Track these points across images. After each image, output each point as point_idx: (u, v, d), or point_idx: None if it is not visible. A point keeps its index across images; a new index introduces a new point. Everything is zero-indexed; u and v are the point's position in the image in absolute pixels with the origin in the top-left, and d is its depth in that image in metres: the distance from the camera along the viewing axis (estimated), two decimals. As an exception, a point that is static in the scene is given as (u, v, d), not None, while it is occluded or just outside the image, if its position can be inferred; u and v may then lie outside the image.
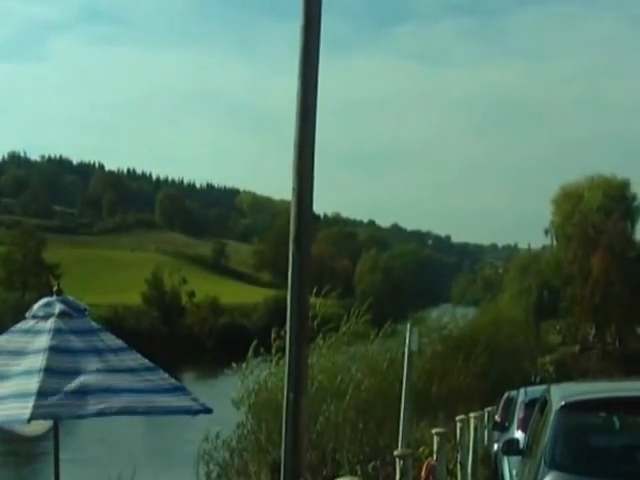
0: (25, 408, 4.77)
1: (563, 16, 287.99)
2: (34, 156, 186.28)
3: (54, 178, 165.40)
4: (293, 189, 5.39)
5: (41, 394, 4.86)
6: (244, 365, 14.63)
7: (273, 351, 14.21)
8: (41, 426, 5.81)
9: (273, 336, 14.05)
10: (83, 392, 5.03)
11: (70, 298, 5.74)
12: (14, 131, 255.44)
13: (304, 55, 5.15)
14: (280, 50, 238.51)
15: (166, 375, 5.52)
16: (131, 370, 5.35)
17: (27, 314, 5.63)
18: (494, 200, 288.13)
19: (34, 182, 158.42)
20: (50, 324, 5.42)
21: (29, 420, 4.77)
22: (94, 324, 5.66)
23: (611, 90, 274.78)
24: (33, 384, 4.92)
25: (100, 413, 5.11)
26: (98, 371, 5.22)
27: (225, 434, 13.83)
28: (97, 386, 5.08)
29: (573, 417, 6.87)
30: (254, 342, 14.61)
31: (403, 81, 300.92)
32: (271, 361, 14.48)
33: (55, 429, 5.70)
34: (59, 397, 4.90)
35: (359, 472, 11.86)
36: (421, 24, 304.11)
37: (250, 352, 14.57)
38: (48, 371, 5.04)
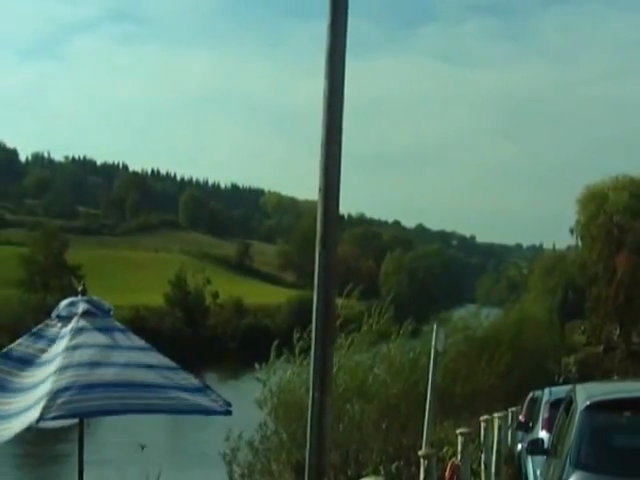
0: (36, 409, 4.76)
1: (588, 16, 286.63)
2: (58, 157, 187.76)
3: (78, 179, 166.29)
4: (320, 189, 5.40)
5: (56, 393, 4.84)
6: (267, 366, 14.66)
7: (296, 352, 14.23)
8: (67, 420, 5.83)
9: (296, 337, 14.07)
10: (103, 386, 5.00)
11: (95, 298, 5.75)
12: (38, 131, 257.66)
13: (330, 53, 5.17)
14: (305, 49, 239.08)
15: (189, 375, 5.53)
16: (154, 367, 5.35)
17: (52, 313, 5.65)
18: (519, 200, 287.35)
19: (58, 183, 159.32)
20: (73, 324, 5.43)
21: (38, 421, 4.75)
22: (118, 324, 5.68)
23: (637, 90, 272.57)
24: (49, 385, 4.91)
25: (119, 410, 5.10)
26: (120, 365, 5.21)
27: (247, 435, 13.88)
28: (117, 381, 5.05)
29: (598, 417, 6.84)
30: (275, 343, 14.63)
31: (428, 82, 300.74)
32: (294, 362, 14.50)
33: (80, 426, 5.72)
34: (72, 393, 4.88)
35: (382, 472, 11.86)
36: (446, 25, 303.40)
37: (272, 353, 14.60)
38: (64, 369, 5.03)
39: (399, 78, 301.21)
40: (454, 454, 11.28)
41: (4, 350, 5.46)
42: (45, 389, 4.89)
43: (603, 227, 54.48)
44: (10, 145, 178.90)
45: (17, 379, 5.20)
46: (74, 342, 5.26)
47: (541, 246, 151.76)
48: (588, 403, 6.86)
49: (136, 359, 5.33)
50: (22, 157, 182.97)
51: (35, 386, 5.07)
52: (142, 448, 13.34)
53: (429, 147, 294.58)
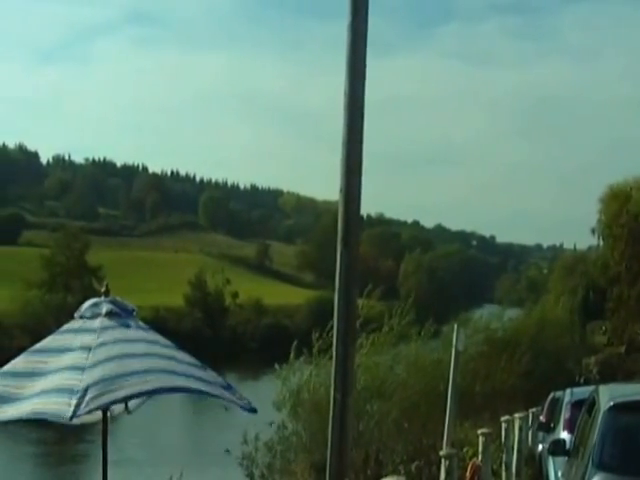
0: (69, 405, 4.80)
1: (609, 15, 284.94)
2: (78, 159, 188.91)
3: (98, 180, 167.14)
4: (341, 189, 5.41)
5: (86, 390, 4.89)
6: (286, 366, 14.68)
7: (315, 352, 14.24)
8: (90, 417, 5.86)
9: (315, 337, 14.08)
10: (128, 375, 5.03)
11: (118, 299, 5.79)
12: (59, 134, 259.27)
13: (351, 54, 5.18)
14: (322, 50, 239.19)
15: (213, 373, 5.55)
16: (179, 361, 5.38)
17: (75, 314, 5.69)
18: (539, 200, 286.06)
19: (78, 185, 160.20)
20: (98, 323, 5.46)
21: (71, 418, 4.79)
22: (142, 324, 5.71)
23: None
24: (79, 381, 4.95)
25: (144, 392, 5.12)
26: (145, 355, 5.23)
27: (266, 435, 13.90)
28: (142, 369, 5.08)
29: (622, 418, 6.80)
30: (295, 343, 14.65)
31: (447, 81, 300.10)
32: (314, 362, 14.50)
33: (104, 420, 5.75)
34: (101, 387, 4.92)
35: (402, 472, 11.86)
36: (465, 24, 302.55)
37: (292, 353, 14.61)
38: (94, 366, 5.07)
39: (418, 78, 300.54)
40: (474, 454, 11.27)
41: (35, 346, 5.52)
42: (73, 383, 4.93)
43: (626, 227, 54.09)
44: (31, 147, 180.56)
45: (41, 365, 5.25)
46: (99, 341, 5.30)
47: (561, 246, 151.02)
48: (611, 404, 6.83)
49: (165, 352, 5.36)
50: (43, 159, 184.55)
51: (60, 370, 5.11)
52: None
53: (448, 147, 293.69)
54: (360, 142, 5.18)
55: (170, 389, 5.16)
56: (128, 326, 5.52)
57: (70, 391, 4.89)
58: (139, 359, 5.17)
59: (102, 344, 5.25)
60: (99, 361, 5.10)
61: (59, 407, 4.83)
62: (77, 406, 4.79)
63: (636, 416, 6.99)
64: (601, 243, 58.87)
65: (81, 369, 5.03)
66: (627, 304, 52.75)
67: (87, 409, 4.83)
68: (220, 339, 66.88)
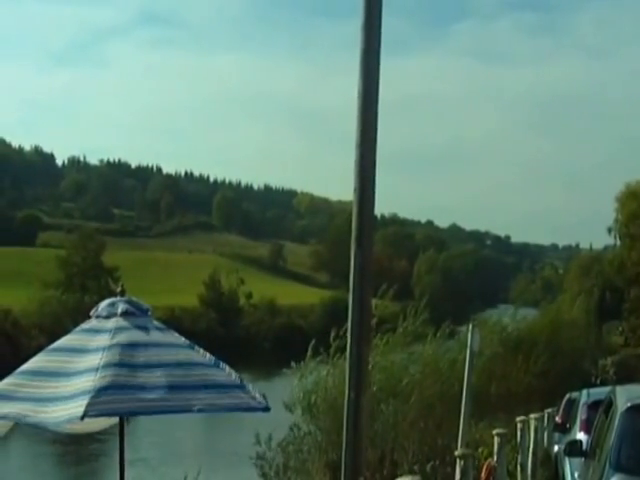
0: (80, 406, 4.82)
1: (626, 11, 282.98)
2: (93, 160, 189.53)
3: (113, 182, 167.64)
4: (355, 190, 5.40)
5: (99, 390, 4.90)
6: (301, 366, 14.66)
7: (331, 351, 14.22)
8: (104, 422, 5.87)
9: (332, 336, 14.06)
10: (143, 388, 5.04)
11: (134, 298, 5.80)
12: (74, 136, 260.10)
13: (365, 54, 5.16)
14: (336, 50, 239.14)
15: (229, 370, 5.54)
16: (193, 365, 5.37)
17: (91, 313, 5.71)
18: (554, 199, 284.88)
19: (93, 186, 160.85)
20: (112, 323, 5.48)
21: (82, 417, 4.80)
22: (157, 323, 5.71)
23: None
24: (92, 381, 4.96)
25: (159, 411, 5.13)
26: (159, 366, 5.24)
27: (280, 435, 13.90)
28: (158, 384, 5.08)
29: (639, 419, 6.77)
30: (312, 343, 14.61)
31: (462, 79, 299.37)
32: (329, 362, 14.48)
33: (120, 426, 5.76)
34: (116, 392, 4.93)
35: (418, 472, 11.83)
36: (480, 21, 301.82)
37: (309, 353, 14.60)
38: (107, 367, 5.07)
39: (433, 76, 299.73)
40: (489, 455, 11.22)
41: (52, 345, 5.54)
42: (86, 386, 4.94)
43: (644, 226, 53.83)
44: (47, 149, 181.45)
45: (58, 365, 5.27)
46: (115, 341, 5.30)
47: (577, 246, 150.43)
48: (629, 405, 6.80)
49: (176, 358, 5.35)
50: (59, 161, 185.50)
51: (78, 373, 5.13)
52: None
53: (463, 146, 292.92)
54: (374, 142, 5.16)
55: (184, 411, 5.17)
56: (143, 327, 5.52)
57: (82, 393, 4.90)
58: (154, 370, 5.17)
59: (116, 345, 5.25)
60: (112, 363, 5.10)
61: (73, 411, 4.84)
62: (90, 406, 4.79)
63: (653, 417, 6.95)
64: (618, 242, 58.62)
65: (95, 370, 5.05)
66: (644, 304, 52.49)
67: (98, 412, 4.84)
68: (234, 339, 66.92)
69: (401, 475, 10.66)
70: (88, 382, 4.96)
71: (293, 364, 14.80)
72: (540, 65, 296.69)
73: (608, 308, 59.27)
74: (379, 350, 14.59)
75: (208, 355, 5.57)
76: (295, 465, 13.68)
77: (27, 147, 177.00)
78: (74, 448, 27.81)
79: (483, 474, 9.88)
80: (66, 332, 5.70)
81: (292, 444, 13.85)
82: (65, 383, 5.09)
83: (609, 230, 57.51)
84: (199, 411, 5.22)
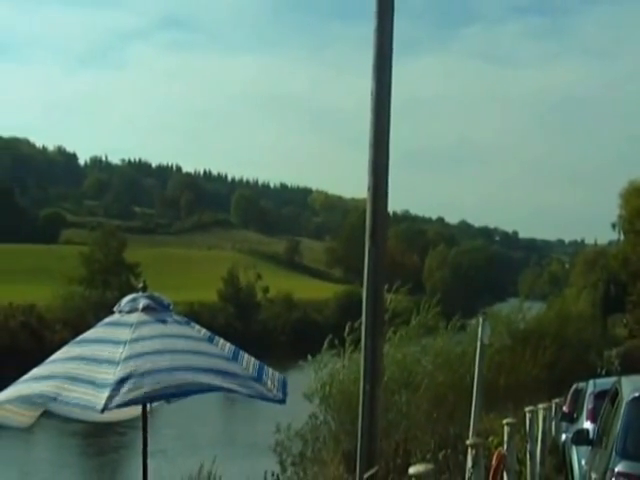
0: (100, 398, 4.80)
1: (630, 13, 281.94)
2: (115, 160, 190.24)
3: (134, 180, 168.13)
4: (369, 188, 5.40)
5: (118, 383, 4.89)
6: (317, 358, 14.68)
7: (347, 344, 14.24)
8: (128, 412, 5.88)
9: (347, 330, 14.07)
10: (163, 371, 5.02)
11: (155, 294, 5.80)
12: (96, 136, 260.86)
13: (377, 56, 5.17)
14: (349, 52, 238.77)
15: (248, 359, 5.52)
16: (213, 355, 5.36)
17: (115, 308, 5.71)
18: (561, 196, 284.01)
19: (115, 185, 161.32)
20: (134, 317, 5.48)
21: (102, 410, 4.79)
22: (178, 317, 5.71)
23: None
24: (112, 374, 4.95)
25: (179, 393, 5.12)
26: (180, 352, 5.23)
27: (297, 425, 13.92)
28: (177, 366, 5.07)
29: (644, 408, 6.75)
30: (329, 336, 14.62)
31: (471, 81, 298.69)
32: (344, 354, 14.49)
33: (144, 415, 5.77)
34: (134, 381, 4.92)
35: (430, 460, 11.82)
36: (488, 25, 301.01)
37: (325, 345, 14.62)
38: (127, 359, 5.05)
39: (443, 77, 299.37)
40: (500, 444, 11.21)
41: (76, 339, 5.56)
42: (107, 378, 4.94)
43: (646, 222, 53.64)
44: (70, 149, 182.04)
45: (89, 353, 5.29)
46: (136, 334, 5.30)
47: (583, 241, 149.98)
48: (635, 395, 6.79)
49: (195, 348, 5.35)
50: (81, 161, 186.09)
51: (99, 361, 5.14)
52: None
53: (472, 145, 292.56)
54: (387, 142, 5.16)
55: (203, 390, 5.15)
56: (164, 321, 5.51)
57: (102, 384, 4.89)
58: (174, 355, 5.16)
59: (137, 339, 5.25)
60: (132, 355, 5.09)
61: (89, 398, 4.83)
62: (109, 399, 4.78)
63: (658, 406, 6.93)
64: (622, 238, 58.43)
65: (115, 363, 5.04)
66: (647, 297, 52.32)
67: (120, 402, 4.83)
68: (252, 333, 66.97)
69: (414, 464, 10.66)
70: (109, 374, 4.95)
71: (309, 357, 14.83)
72: (546, 67, 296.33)
73: (613, 301, 59.10)
74: (392, 343, 14.61)
75: (228, 346, 5.55)
76: (311, 455, 13.71)
77: (51, 147, 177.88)
78: (94, 440, 27.95)
79: (494, 462, 9.86)
80: (89, 327, 5.71)
81: (310, 433, 13.88)
82: (88, 367, 5.09)
83: (613, 226, 57.42)
84: (217, 390, 5.19)
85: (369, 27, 5.00)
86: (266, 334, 70.43)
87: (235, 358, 5.46)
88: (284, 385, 5.45)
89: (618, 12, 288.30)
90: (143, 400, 5.22)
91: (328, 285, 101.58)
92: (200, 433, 28.85)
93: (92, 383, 4.92)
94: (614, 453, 6.46)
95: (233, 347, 5.55)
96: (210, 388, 5.09)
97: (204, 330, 5.63)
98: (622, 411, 6.76)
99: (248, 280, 78.37)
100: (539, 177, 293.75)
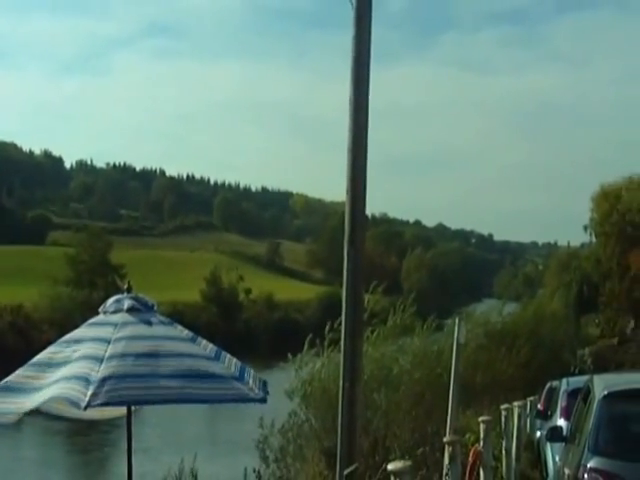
0: (84, 395, 4.78)
1: (599, 22, 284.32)
2: (100, 163, 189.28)
3: (119, 184, 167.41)
4: (347, 192, 5.40)
5: (102, 380, 4.86)
6: (298, 358, 14.65)
7: (326, 344, 14.23)
8: (113, 412, 5.85)
9: (327, 329, 14.06)
10: (146, 376, 5.00)
11: (139, 295, 5.78)
12: (82, 140, 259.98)
13: (355, 64, 5.17)
14: (329, 59, 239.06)
15: (230, 360, 5.51)
16: (195, 357, 5.34)
17: (100, 309, 5.69)
18: (534, 200, 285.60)
19: (100, 188, 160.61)
20: (119, 318, 5.46)
21: (85, 407, 4.77)
22: (162, 317, 5.69)
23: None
24: (96, 371, 4.92)
25: (161, 400, 5.10)
26: (163, 356, 5.21)
27: (279, 422, 13.89)
28: (161, 372, 5.05)
29: (615, 406, 6.80)
30: (309, 336, 14.61)
31: (447, 88, 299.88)
32: (323, 354, 14.48)
33: (128, 414, 5.74)
34: (119, 382, 4.89)
35: (408, 457, 11.82)
36: (464, 33, 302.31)
37: (306, 345, 14.60)
38: (111, 358, 5.04)
39: (420, 84, 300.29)
40: (476, 441, 11.23)
41: (61, 339, 5.53)
42: (90, 374, 4.91)
43: (616, 225, 53.96)
44: (56, 153, 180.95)
45: (62, 355, 5.26)
46: (120, 334, 5.28)
47: (556, 243, 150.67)
48: (606, 393, 6.82)
49: (178, 349, 5.33)
50: (67, 164, 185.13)
51: (82, 358, 5.11)
52: None
53: (448, 150, 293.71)
54: (365, 147, 5.17)
55: (184, 400, 5.14)
56: (148, 322, 5.50)
57: (86, 380, 4.86)
58: (157, 359, 5.14)
59: (121, 339, 5.23)
60: (116, 355, 5.07)
61: (75, 394, 4.81)
62: (93, 396, 4.76)
63: (628, 404, 6.99)
64: (593, 240, 58.76)
65: (99, 360, 5.01)
66: (618, 298, 52.68)
67: (102, 401, 4.80)
68: (234, 332, 66.83)
69: (393, 461, 10.65)
70: (93, 370, 4.92)
71: (290, 356, 14.81)
72: (520, 74, 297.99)
73: (585, 301, 59.45)
74: (371, 342, 14.60)
75: (210, 346, 5.53)
76: (293, 450, 13.68)
77: (37, 151, 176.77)
78: (79, 439, 27.77)
79: (470, 459, 9.88)
80: (76, 326, 5.68)
81: (291, 430, 13.85)
82: (66, 367, 5.06)
83: (585, 228, 57.68)
84: (199, 402, 5.20)
85: (348, 35, 5.00)
86: (248, 334, 70.30)
87: (217, 358, 5.44)
88: (264, 385, 5.45)
89: (590, 21, 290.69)
90: (126, 402, 5.20)
91: (309, 286, 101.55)
92: (184, 431, 28.72)
93: (77, 378, 4.90)
94: (586, 449, 6.50)
95: (215, 347, 5.54)
96: (192, 400, 5.10)
97: (187, 331, 5.62)
98: (594, 408, 6.79)
99: (230, 281, 78.35)
100: (514, 181, 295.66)
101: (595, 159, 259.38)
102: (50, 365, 5.22)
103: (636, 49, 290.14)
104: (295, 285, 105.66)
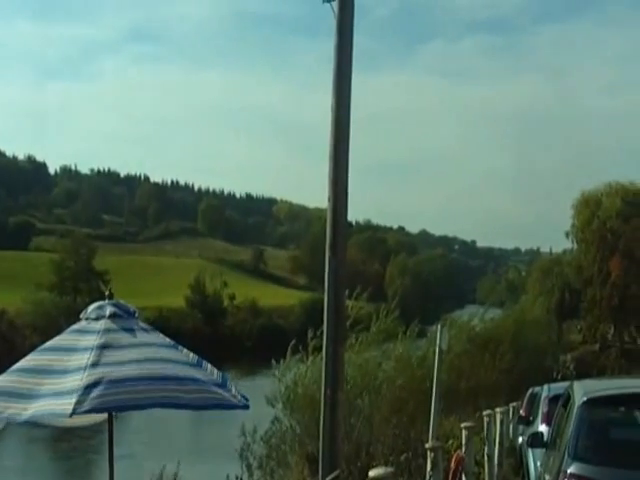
0: (69, 404, 4.78)
1: (581, 33, 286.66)
2: (84, 169, 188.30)
3: (103, 190, 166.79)
4: (329, 199, 5.42)
5: (85, 388, 4.87)
6: (281, 364, 14.63)
7: (309, 350, 14.22)
8: (94, 417, 5.83)
9: (310, 336, 14.06)
10: (131, 381, 5.00)
11: (121, 301, 5.78)
12: (66, 146, 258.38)
13: (337, 71, 5.18)
14: (313, 67, 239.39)
15: (211, 369, 5.52)
16: (177, 363, 5.35)
17: (81, 315, 5.68)
18: (517, 207, 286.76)
19: (84, 194, 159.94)
20: (100, 325, 5.46)
21: (71, 415, 4.77)
22: (143, 324, 5.69)
23: (632, 102, 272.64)
24: (79, 381, 4.93)
25: (146, 404, 5.10)
26: (145, 361, 5.21)
27: (263, 428, 13.87)
28: (144, 376, 5.05)
29: (595, 412, 6.83)
30: (292, 342, 14.59)
31: (429, 96, 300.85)
32: (307, 359, 14.46)
33: (110, 420, 5.73)
34: (103, 389, 4.90)
35: (391, 463, 11.83)
36: (446, 42, 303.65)
37: (289, 351, 14.58)
38: (94, 366, 5.05)
39: (401, 92, 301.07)
40: (459, 446, 11.25)
41: (44, 345, 5.52)
42: (75, 385, 4.91)
43: (597, 232, 54.34)
44: (40, 159, 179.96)
45: (49, 363, 5.24)
46: (102, 341, 5.28)
47: (538, 250, 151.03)
48: (585, 399, 6.85)
49: (161, 355, 5.33)
50: (51, 170, 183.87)
51: (67, 372, 5.10)
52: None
53: (432, 156, 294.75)
54: (346, 154, 5.18)
55: (169, 404, 5.13)
56: (130, 329, 5.50)
57: (70, 392, 4.87)
58: (140, 365, 5.14)
59: (103, 346, 5.23)
60: (99, 363, 5.07)
61: (60, 408, 4.81)
62: (78, 403, 4.76)
63: (608, 410, 7.02)
64: (575, 247, 59.07)
65: (82, 369, 5.02)
66: (600, 305, 52.99)
67: (88, 408, 4.80)
68: (219, 338, 66.72)
69: (376, 467, 10.65)
70: (76, 381, 4.93)
71: (274, 362, 14.79)
72: (501, 83, 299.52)
73: (567, 308, 59.73)
74: (354, 348, 14.61)
75: (191, 355, 5.55)
76: (276, 457, 13.66)
77: (21, 156, 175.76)
78: (60, 445, 27.60)
79: (452, 465, 9.90)
80: (59, 332, 5.67)
81: (274, 437, 13.83)
82: (55, 380, 5.06)
83: (567, 235, 58.02)
84: (182, 407, 5.19)
85: (331, 42, 5.02)
86: (233, 339, 70.22)
87: (200, 365, 5.45)
88: (244, 396, 5.47)
89: (567, 32, 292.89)
90: (110, 408, 5.19)
91: (292, 292, 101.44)
92: (167, 437, 28.61)
93: (59, 394, 4.90)
94: (566, 455, 6.52)
95: (196, 357, 5.56)
96: (176, 404, 5.09)
97: (167, 338, 5.62)
98: (574, 414, 6.82)
99: (215, 287, 78.31)
100: (497, 188, 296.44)
101: (576, 166, 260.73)
102: (36, 372, 5.20)
103: (616, 59, 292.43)
104: (279, 291, 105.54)
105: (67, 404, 4.76)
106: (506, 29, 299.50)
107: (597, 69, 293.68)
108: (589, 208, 55.21)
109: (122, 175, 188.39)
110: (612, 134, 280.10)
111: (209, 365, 5.55)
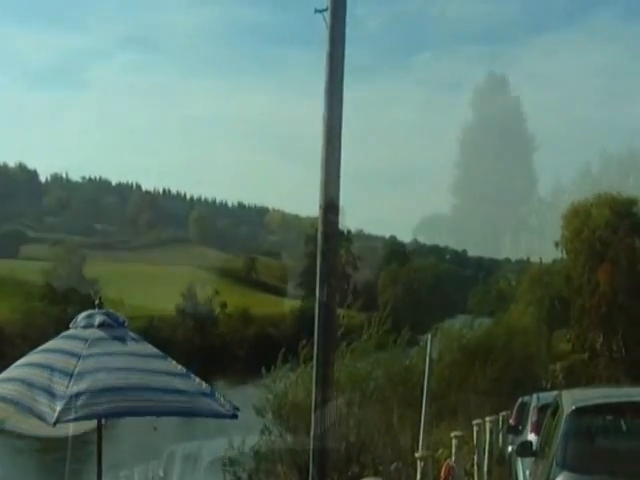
0: (52, 410, 4.75)
1: (570, 44, 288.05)
2: (75, 177, 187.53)
3: (94, 198, 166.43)
4: (320, 207, 5.44)
5: (71, 397, 4.84)
6: (272, 374, 14.61)
7: (301, 359, 14.21)
8: (84, 426, 5.81)
9: (301, 345, 14.05)
10: (117, 390, 4.98)
11: (111, 310, 5.78)
12: (57, 154, 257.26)
13: (329, 81, 5.20)
14: (305, 76, 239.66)
15: (198, 380, 5.52)
16: (165, 373, 5.35)
17: (71, 324, 5.67)
18: (508, 216, 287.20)
19: (76, 202, 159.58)
20: (89, 334, 5.44)
21: (54, 423, 4.74)
22: (132, 334, 5.69)
23: (614, 113, 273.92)
24: (64, 387, 4.89)
25: (133, 412, 5.09)
26: (134, 370, 5.20)
27: (252, 438, 13.83)
28: (131, 385, 5.04)
29: (583, 421, 6.85)
30: (282, 351, 14.58)
31: (419, 106, 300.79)
32: (298, 369, 14.45)
33: (98, 429, 5.71)
34: (89, 397, 4.87)
35: (382, 473, 11.82)
36: (437, 53, 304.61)
37: (279, 360, 14.57)
38: (81, 374, 5.02)
39: (394, 102, 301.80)
40: (449, 456, 11.25)
41: (38, 348, 5.51)
42: (60, 390, 4.88)
43: (586, 242, 54.49)
44: (30, 166, 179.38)
45: (44, 361, 5.24)
46: (91, 350, 5.27)
47: (529, 259, 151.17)
48: (573, 408, 6.87)
49: (149, 365, 5.33)
50: (42, 178, 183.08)
51: (53, 370, 5.08)
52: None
53: (423, 167, 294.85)
54: (338, 164, 5.20)
55: (156, 412, 5.12)
56: (119, 338, 5.49)
57: (52, 394, 4.82)
58: (128, 374, 5.13)
59: (92, 355, 5.21)
60: (86, 371, 5.05)
61: (41, 408, 4.77)
62: (63, 412, 4.72)
63: (595, 419, 7.04)
64: (564, 257, 59.20)
65: (69, 375, 4.98)
66: (589, 314, 53.12)
67: (74, 416, 4.77)
68: (210, 347, 66.57)
69: (366, 476, 10.65)
70: (62, 386, 4.89)
71: (264, 371, 14.77)
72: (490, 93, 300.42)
73: (556, 317, 59.79)
74: (345, 357, 14.61)
75: (180, 366, 5.55)
76: (266, 467, 13.63)
77: (11, 164, 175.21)
78: (47, 455, 27.37)
79: (442, 474, 9.90)
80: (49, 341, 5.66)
81: (263, 447, 13.80)
82: (42, 374, 5.03)
83: (556, 244, 58.14)
84: (171, 414, 5.19)
85: (323, 52, 5.04)
86: (224, 348, 70.06)
87: (188, 375, 5.45)
88: (234, 405, 5.47)
89: (555, 43, 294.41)
90: (97, 417, 5.17)
91: (284, 301, 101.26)
92: (155, 447, 28.45)
93: (46, 391, 4.86)
94: (554, 464, 6.53)
95: (184, 369, 5.56)
96: (164, 412, 5.08)
97: (156, 349, 5.62)
98: (562, 423, 6.83)
99: (206, 296, 78.16)
100: (488, 198, 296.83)
101: (568, 177, 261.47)
102: (24, 365, 5.21)
103: (601, 69, 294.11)
104: (271, 300, 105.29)
105: (52, 409, 4.73)
106: (495, 40, 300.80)
107: (583, 78, 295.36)
108: (579, 218, 55.39)
109: (113, 183, 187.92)
110: (601, 145, 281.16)
111: (196, 378, 5.55)
